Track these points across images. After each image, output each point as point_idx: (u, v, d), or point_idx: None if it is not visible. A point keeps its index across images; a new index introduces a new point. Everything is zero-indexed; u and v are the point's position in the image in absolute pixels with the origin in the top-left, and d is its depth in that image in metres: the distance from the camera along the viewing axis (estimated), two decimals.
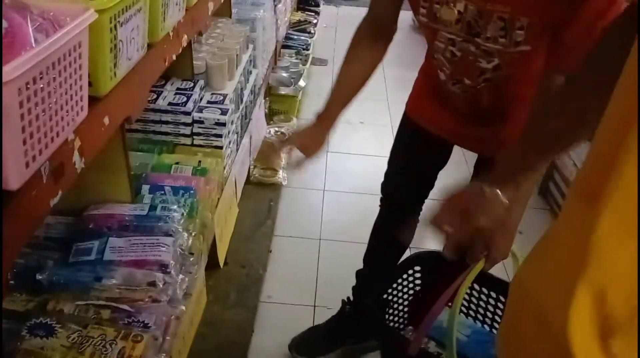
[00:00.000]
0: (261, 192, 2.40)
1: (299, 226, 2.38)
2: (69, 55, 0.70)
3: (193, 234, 1.20)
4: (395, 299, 1.49)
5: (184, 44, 1.29)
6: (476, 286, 1.46)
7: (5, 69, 0.54)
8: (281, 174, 2.50)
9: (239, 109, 1.73)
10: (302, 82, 3.10)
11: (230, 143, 1.61)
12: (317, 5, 4.31)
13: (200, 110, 1.49)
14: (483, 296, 1.47)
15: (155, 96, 1.47)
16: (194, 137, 1.49)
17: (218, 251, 1.60)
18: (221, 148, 1.50)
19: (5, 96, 0.56)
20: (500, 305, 1.44)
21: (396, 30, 1.28)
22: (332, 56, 4.16)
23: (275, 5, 2.43)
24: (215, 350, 1.67)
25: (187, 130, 1.48)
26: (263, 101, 2.38)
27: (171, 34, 1.19)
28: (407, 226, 1.66)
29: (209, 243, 1.43)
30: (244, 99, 1.83)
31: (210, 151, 1.48)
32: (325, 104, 1.29)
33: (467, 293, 1.48)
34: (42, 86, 0.63)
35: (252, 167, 2.39)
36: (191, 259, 1.14)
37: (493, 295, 1.45)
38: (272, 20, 2.39)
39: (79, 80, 0.74)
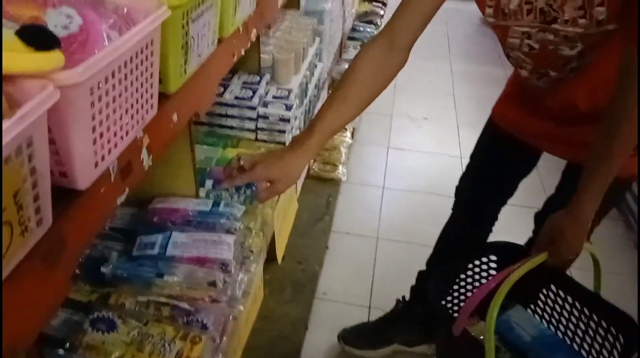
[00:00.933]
0: (320, 187, 2.37)
1: (357, 223, 2.34)
2: (141, 53, 0.69)
3: (254, 231, 1.19)
4: (465, 285, 1.42)
5: (253, 38, 1.28)
6: (553, 288, 1.38)
7: (77, 69, 0.53)
8: (341, 169, 2.46)
9: (302, 103, 1.70)
10: None
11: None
12: None
13: (265, 105, 1.48)
14: (559, 300, 1.38)
15: (222, 89, 1.46)
16: (258, 132, 1.48)
17: (276, 247, 1.59)
18: (284, 143, 1.48)
19: (77, 96, 0.55)
20: (575, 311, 1.35)
21: (407, 60, 1.09)
22: None
23: None
24: (269, 345, 1.67)
25: (251, 125, 1.47)
26: (327, 94, 2.35)
27: (241, 28, 1.17)
28: (480, 236, 1.58)
29: (268, 239, 1.42)
30: (309, 94, 1.80)
31: (273, 147, 1.46)
32: (309, 128, 1.02)
33: (543, 294, 1.40)
34: (113, 85, 0.62)
35: (312, 161, 2.37)
36: (251, 257, 1.13)
37: (569, 299, 1.36)
38: (340, 12, 2.35)
39: (150, 78, 0.73)
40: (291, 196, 1.70)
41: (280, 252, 1.62)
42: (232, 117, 1.46)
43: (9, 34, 0.51)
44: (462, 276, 1.41)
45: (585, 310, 1.31)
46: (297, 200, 1.92)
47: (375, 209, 2.47)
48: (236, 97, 1.45)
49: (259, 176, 0.98)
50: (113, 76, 0.62)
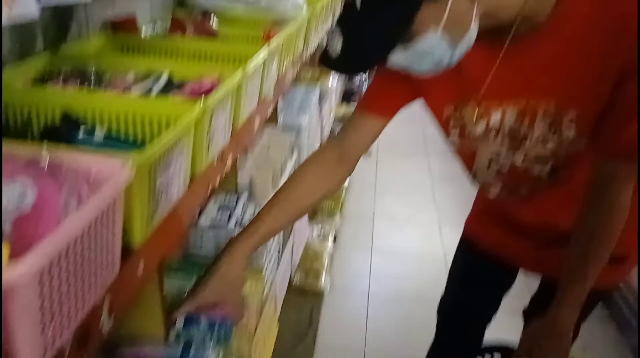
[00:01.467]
0: (302, 299, 2.29)
1: (343, 338, 2.24)
2: (101, 219, 0.65)
3: None
4: None
5: (229, 166, 1.26)
6: None
7: (22, 264, 0.48)
8: (324, 278, 2.39)
9: None
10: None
11: (271, 260, 1.53)
12: None
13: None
14: None
15: (197, 214, 1.43)
16: None
17: None
18: (261, 269, 1.43)
19: (22, 289, 0.50)
20: None
21: (353, 171, 1.16)
22: (375, 149, 4.15)
23: (321, 109, 2.44)
24: None
25: None
26: None
27: (215, 160, 1.15)
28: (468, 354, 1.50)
29: None
30: None
31: (250, 274, 1.40)
32: (247, 229, 1.06)
33: None
34: (67, 262, 0.57)
35: (293, 272, 2.29)
36: None
37: None
38: (318, 124, 2.39)
39: (111, 240, 0.69)
40: (270, 321, 1.62)
41: None
42: (208, 242, 1.41)
43: None
44: None
45: None
46: (279, 317, 1.82)
47: (362, 319, 2.38)
48: (211, 222, 1.41)
49: (200, 300, 0.98)
50: (67, 252, 0.57)
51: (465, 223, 1.41)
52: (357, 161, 1.16)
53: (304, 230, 2.27)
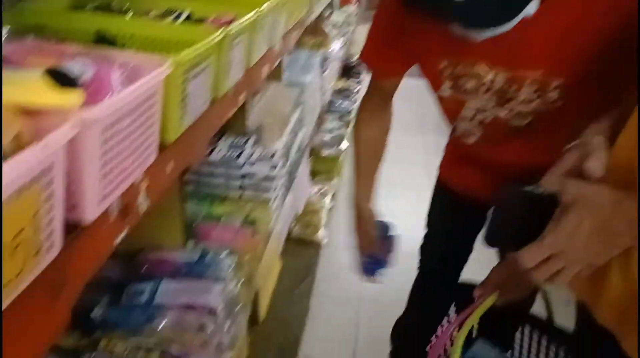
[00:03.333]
0: (301, 249, 2.41)
1: (339, 286, 2.36)
2: (145, 103, 0.75)
3: (240, 283, 1.21)
4: None
5: (241, 102, 1.36)
6: (528, 329, 1.40)
7: (96, 108, 0.59)
8: (321, 232, 2.51)
9: (286, 165, 1.78)
10: (343, 145, 3.17)
11: (277, 197, 1.64)
12: (359, 74, 4.46)
13: (251, 164, 1.55)
14: (534, 342, 1.39)
15: (210, 150, 1.53)
16: (244, 190, 1.54)
17: (259, 306, 1.60)
18: (269, 201, 1.54)
19: (93, 133, 0.61)
20: (551, 353, 1.35)
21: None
22: None
23: (323, 71, 2.54)
24: None
25: (237, 183, 1.53)
26: (307, 160, 2.44)
27: (231, 92, 1.26)
28: (444, 297, 1.61)
29: (251, 296, 1.44)
30: (291, 157, 1.88)
31: (258, 205, 1.52)
32: (360, 189, 1.44)
33: (520, 336, 1.42)
34: (120, 129, 0.68)
35: (292, 223, 2.41)
36: (237, 308, 1.15)
37: (544, 341, 1.36)
38: (319, 85, 2.49)
39: (152, 126, 0.80)
40: (274, 255, 1.74)
41: (262, 311, 1.63)
42: (219, 176, 1.52)
43: (34, 76, 0.59)
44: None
45: (561, 353, 1.34)
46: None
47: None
48: (223, 157, 1.52)
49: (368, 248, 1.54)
50: (120, 121, 0.68)
51: (440, 168, 1.51)
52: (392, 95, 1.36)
53: (305, 185, 2.38)
